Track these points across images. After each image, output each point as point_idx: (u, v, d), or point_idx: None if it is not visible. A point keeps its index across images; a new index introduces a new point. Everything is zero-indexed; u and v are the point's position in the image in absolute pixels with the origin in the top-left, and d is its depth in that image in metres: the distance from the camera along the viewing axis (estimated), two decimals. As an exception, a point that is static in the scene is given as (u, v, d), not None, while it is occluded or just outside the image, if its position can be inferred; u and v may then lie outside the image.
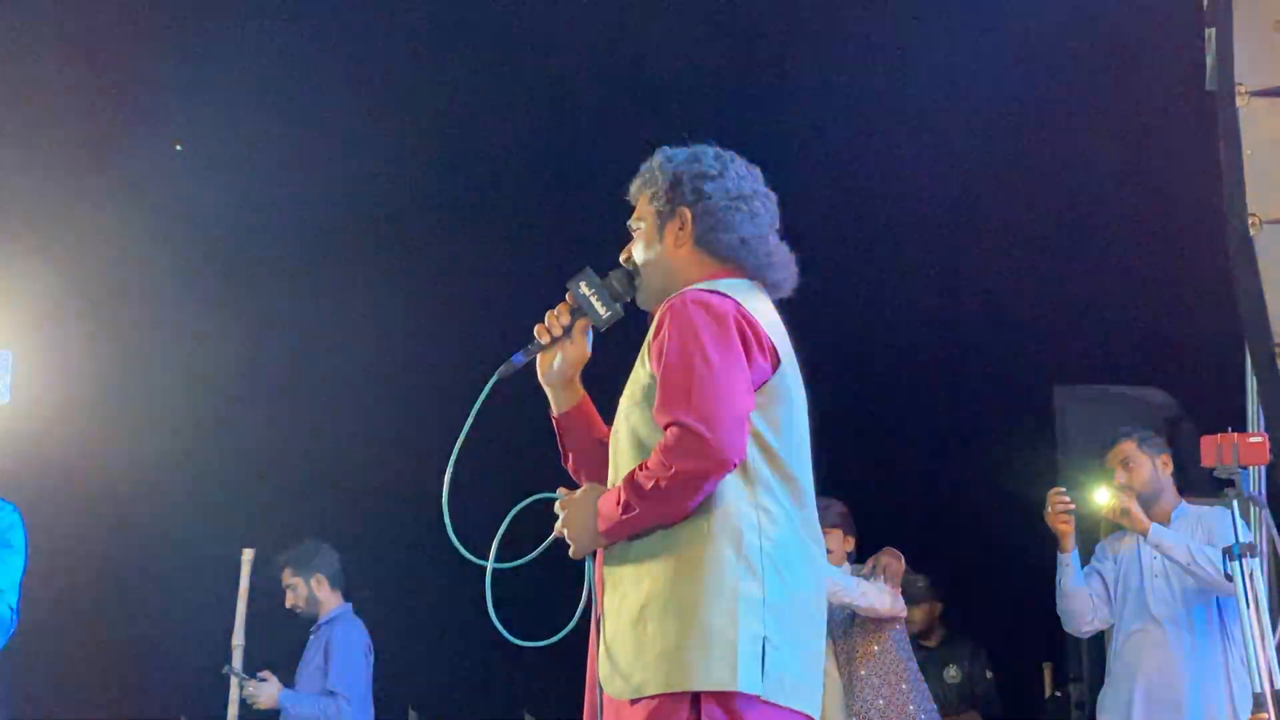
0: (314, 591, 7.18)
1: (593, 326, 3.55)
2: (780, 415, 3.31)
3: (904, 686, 6.10)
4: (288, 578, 7.21)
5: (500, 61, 7.88)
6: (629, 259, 3.57)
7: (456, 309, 8.42)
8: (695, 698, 3.15)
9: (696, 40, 7.64)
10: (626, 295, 3.53)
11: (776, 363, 3.32)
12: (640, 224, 3.56)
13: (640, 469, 3.22)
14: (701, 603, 3.16)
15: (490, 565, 3.41)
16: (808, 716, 3.28)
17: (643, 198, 3.57)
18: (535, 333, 3.56)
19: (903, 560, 6.36)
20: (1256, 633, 4.18)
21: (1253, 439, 4.21)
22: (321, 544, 7.30)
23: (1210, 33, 5.23)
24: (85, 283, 7.58)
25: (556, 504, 3.43)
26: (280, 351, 8.36)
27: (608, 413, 3.54)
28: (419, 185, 8.30)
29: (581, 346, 3.58)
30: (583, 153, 7.67)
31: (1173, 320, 7.69)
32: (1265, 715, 4.19)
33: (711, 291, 3.32)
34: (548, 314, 3.56)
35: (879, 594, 6.05)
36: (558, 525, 3.40)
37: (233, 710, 6.95)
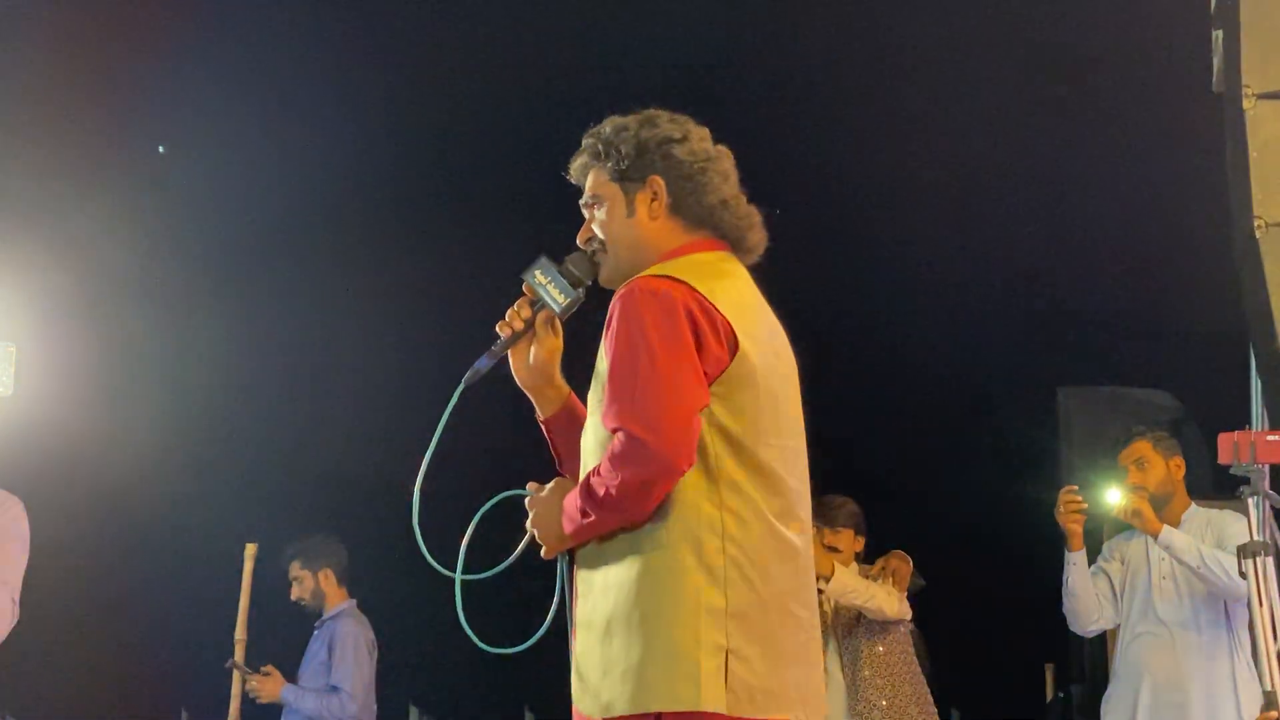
0: (320, 585, 7.18)
1: (555, 317, 3.33)
2: (745, 401, 3.11)
3: (907, 689, 6.11)
4: (296, 570, 7.20)
5: (490, 59, 7.86)
6: (588, 239, 3.34)
7: (460, 304, 8.41)
8: (659, 717, 3.01)
9: (685, 35, 7.63)
10: (587, 279, 3.31)
11: (735, 348, 3.10)
12: (598, 199, 3.32)
13: (594, 474, 3.07)
14: (663, 616, 3.01)
15: (458, 576, 3.28)
16: None
17: (596, 173, 3.33)
18: (497, 330, 3.36)
19: (910, 563, 6.36)
20: (1268, 630, 4.17)
21: (1270, 436, 4.20)
22: (332, 538, 7.30)
23: (1217, 35, 5.21)
24: (89, 277, 7.58)
25: (526, 500, 3.29)
26: (284, 346, 8.37)
27: None
28: (428, 181, 8.30)
29: (552, 339, 3.37)
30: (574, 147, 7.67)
31: (1178, 322, 7.69)
32: (1275, 714, 4.18)
33: (663, 277, 3.12)
34: (508, 310, 3.35)
35: (886, 596, 6.06)
36: (528, 522, 3.26)
37: (235, 704, 6.96)
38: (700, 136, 3.32)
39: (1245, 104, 4.87)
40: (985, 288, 8.37)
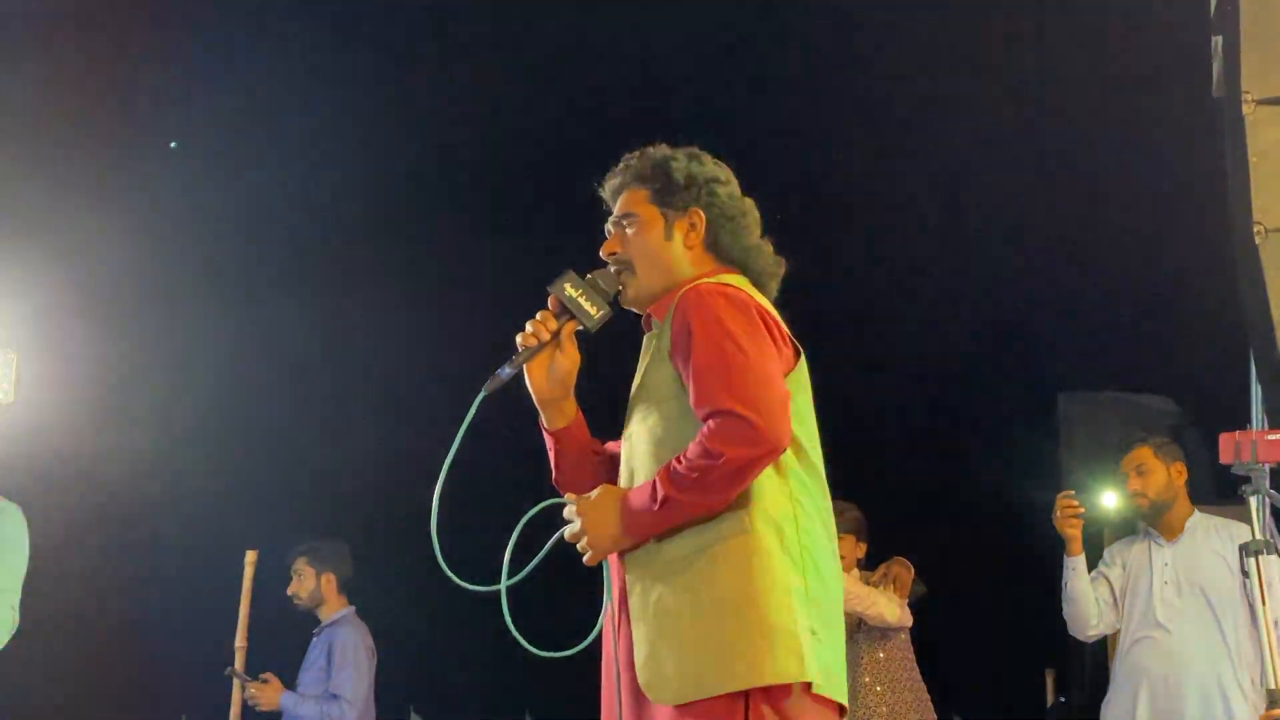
0: (321, 587, 7.16)
1: (581, 329, 3.37)
2: (802, 404, 3.26)
3: (908, 695, 6.11)
4: (300, 565, 7.17)
5: (504, 62, 7.87)
6: (614, 254, 3.42)
7: (465, 312, 8.42)
8: (746, 697, 3.07)
9: (694, 40, 7.64)
10: (612, 294, 3.38)
11: (797, 353, 3.29)
12: (634, 219, 3.41)
13: (679, 461, 3.11)
14: (757, 597, 3.09)
15: (503, 587, 3.27)
16: (842, 706, 3.23)
17: (634, 194, 3.43)
18: (519, 342, 3.37)
19: (912, 570, 6.37)
20: (1272, 629, 4.17)
21: (1270, 436, 4.20)
22: (343, 545, 7.29)
23: (1217, 40, 5.22)
24: (90, 285, 7.58)
25: (569, 509, 3.29)
26: (286, 353, 8.37)
27: (594, 422, 3.46)
28: (430, 184, 8.30)
29: (572, 352, 3.41)
30: (591, 155, 7.67)
31: (1177, 328, 7.69)
32: (1278, 711, 4.18)
33: (723, 283, 3.25)
34: (530, 322, 3.38)
35: (889, 603, 6.07)
36: (571, 529, 3.27)
37: (235, 711, 6.95)
38: (734, 182, 3.46)
39: (1245, 109, 4.87)
40: (984, 293, 8.37)
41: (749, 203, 3.46)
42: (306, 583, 7.17)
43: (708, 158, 3.46)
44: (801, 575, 3.15)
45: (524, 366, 3.38)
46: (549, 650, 3.30)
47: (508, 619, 3.28)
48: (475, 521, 3.43)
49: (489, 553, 3.37)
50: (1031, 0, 7.24)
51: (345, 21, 7.85)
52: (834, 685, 3.18)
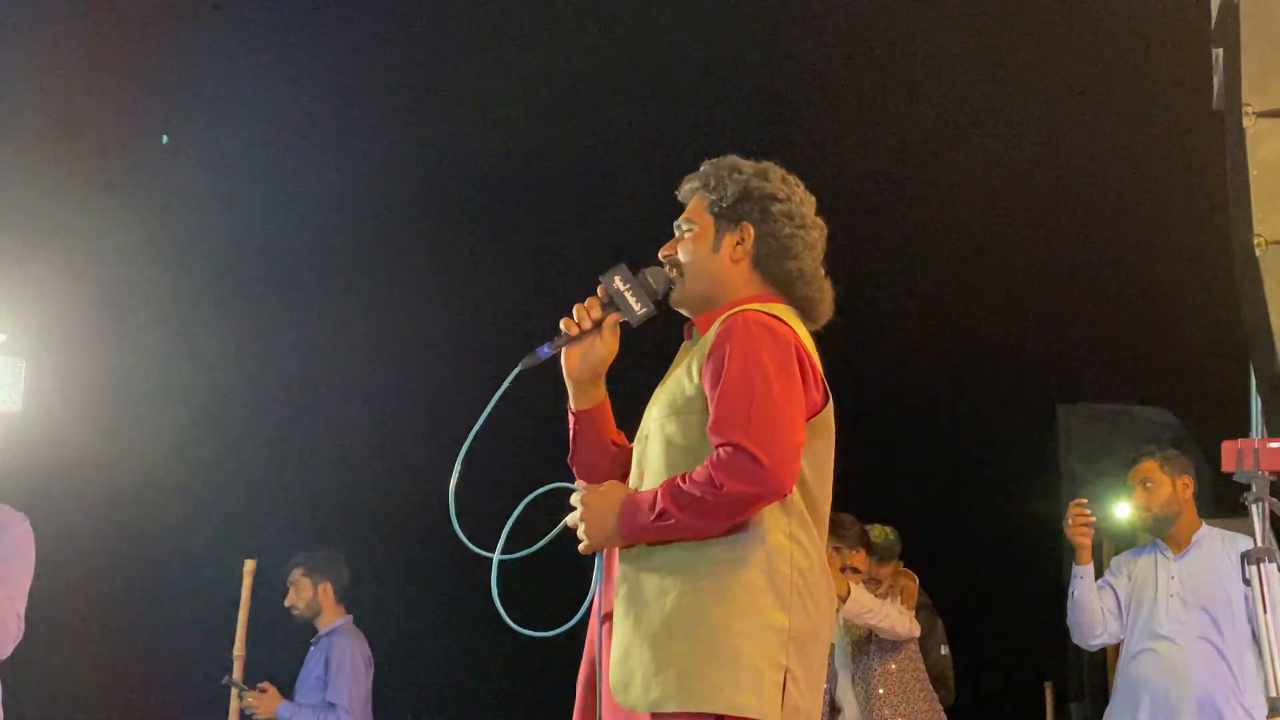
0: (317, 597, 7.17)
1: (624, 322, 3.45)
2: (820, 449, 3.30)
3: (921, 705, 6.13)
4: (297, 576, 7.18)
5: (505, 57, 7.86)
6: (670, 256, 3.47)
7: (464, 318, 8.42)
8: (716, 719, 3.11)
9: (708, 38, 7.63)
10: (660, 293, 3.43)
11: (826, 397, 3.31)
12: (691, 225, 3.46)
13: (684, 479, 3.16)
14: (732, 626, 3.13)
15: (496, 557, 3.34)
16: None
17: (698, 200, 3.47)
18: (563, 325, 3.45)
19: (917, 580, 6.40)
20: (1274, 636, 4.18)
21: (1273, 444, 4.22)
22: (338, 556, 7.30)
23: (1217, 53, 5.24)
24: (96, 293, 7.58)
25: (575, 496, 3.35)
26: (290, 363, 8.37)
27: (621, 413, 3.51)
28: (435, 190, 8.29)
29: (611, 342, 3.47)
30: (592, 156, 7.68)
31: (1177, 340, 7.70)
32: (1280, 719, 4.19)
33: (772, 315, 3.27)
34: (576, 307, 3.46)
35: (899, 615, 6.09)
36: (573, 516, 3.33)
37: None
38: (802, 202, 3.46)
39: (1245, 122, 4.88)
40: (983, 304, 8.38)
41: (814, 223, 3.46)
42: (303, 593, 7.18)
43: (776, 174, 3.46)
44: (786, 614, 3.18)
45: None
46: (533, 630, 3.34)
47: (494, 590, 3.34)
48: (491, 497, 3.46)
49: (491, 527, 3.39)
50: (1034, 14, 7.24)
51: (352, 21, 7.84)
52: None
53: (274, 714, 6.99)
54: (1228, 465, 4.23)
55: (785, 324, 3.27)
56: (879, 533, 7.04)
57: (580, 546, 3.32)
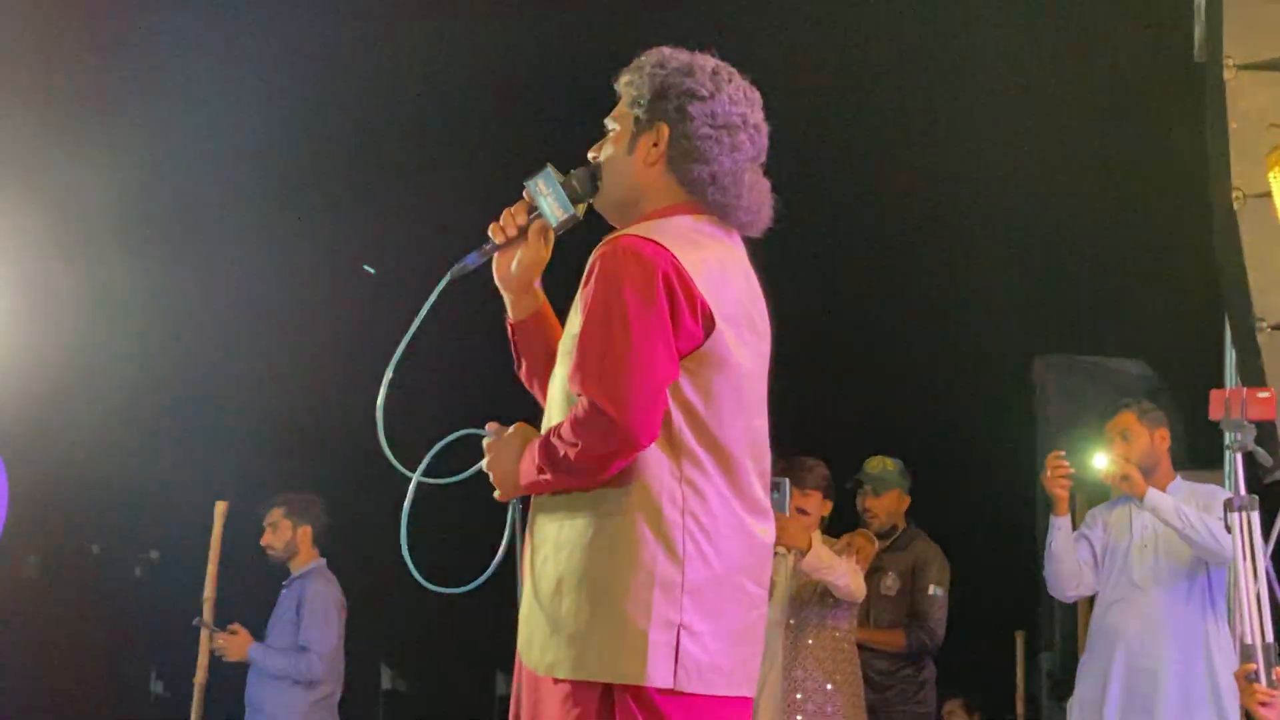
0: (297, 540, 7.14)
1: (550, 229, 3.26)
2: (713, 380, 3.05)
3: (845, 667, 6.02)
4: (276, 516, 7.14)
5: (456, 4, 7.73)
6: (597, 155, 3.25)
7: (440, 255, 8.34)
8: (608, 687, 2.98)
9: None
10: (589, 196, 3.23)
11: (711, 327, 3.03)
12: (614, 125, 3.23)
13: (553, 434, 3.03)
14: (614, 585, 2.97)
15: (415, 478, 3.24)
16: (740, 698, 3.10)
17: (625, 98, 3.22)
18: (489, 232, 3.30)
19: (876, 544, 6.31)
20: (1249, 584, 4.20)
21: (1261, 394, 4.24)
22: (320, 500, 7.27)
23: (1199, 3, 5.20)
24: (59, 228, 7.50)
25: (484, 441, 3.23)
26: (261, 301, 8.28)
27: None
28: (391, 125, 8.19)
29: (537, 249, 3.28)
30: (543, 63, 7.58)
31: (1152, 292, 7.70)
32: (1254, 666, 4.22)
33: (648, 240, 3.03)
34: (504, 212, 3.28)
35: (855, 576, 5.94)
36: (484, 464, 3.21)
37: (202, 662, 6.94)
38: (730, 100, 3.16)
39: (1226, 74, 4.87)
40: (959, 254, 8.36)
41: (749, 122, 3.18)
42: (282, 534, 7.15)
43: (706, 68, 3.17)
44: (679, 564, 2.98)
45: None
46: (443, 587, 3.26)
47: (404, 547, 3.26)
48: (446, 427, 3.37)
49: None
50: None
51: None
52: (720, 682, 3.03)
53: (245, 656, 6.98)
54: (1215, 413, 4.26)
55: (662, 248, 3.01)
56: (876, 463, 6.99)
57: (496, 495, 3.20)
